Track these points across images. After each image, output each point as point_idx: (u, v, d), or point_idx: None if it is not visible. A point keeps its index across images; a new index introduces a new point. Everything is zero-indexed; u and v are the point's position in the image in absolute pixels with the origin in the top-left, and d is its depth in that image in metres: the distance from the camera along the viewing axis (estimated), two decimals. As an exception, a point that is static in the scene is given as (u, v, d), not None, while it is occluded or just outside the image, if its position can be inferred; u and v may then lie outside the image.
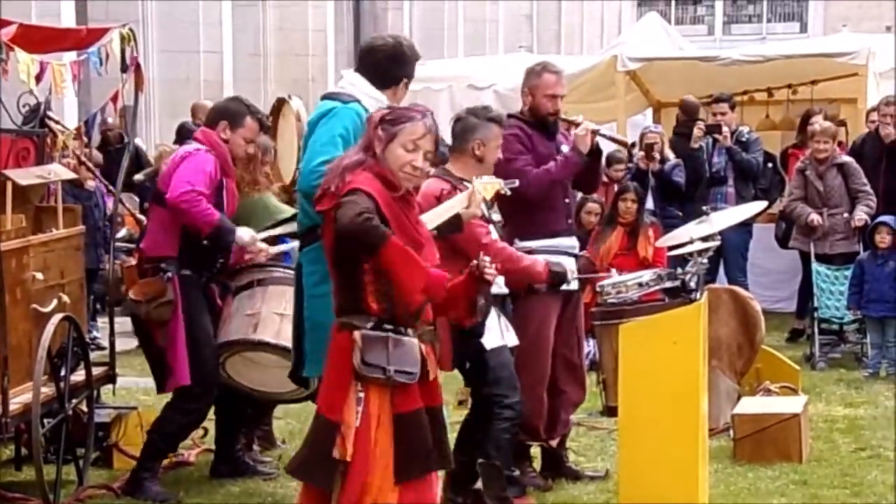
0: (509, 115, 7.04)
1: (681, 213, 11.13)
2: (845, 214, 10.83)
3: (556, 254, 6.73)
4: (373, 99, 5.67)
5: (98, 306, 11.56)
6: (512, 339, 6.44)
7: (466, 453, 6.36)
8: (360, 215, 4.45)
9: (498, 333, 6.28)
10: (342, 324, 4.62)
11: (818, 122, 11.35)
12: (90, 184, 10.13)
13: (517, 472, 6.61)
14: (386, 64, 5.83)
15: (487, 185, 5.69)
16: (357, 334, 4.55)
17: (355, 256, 4.55)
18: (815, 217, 10.79)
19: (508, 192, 5.81)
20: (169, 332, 6.61)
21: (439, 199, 6.02)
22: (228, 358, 6.80)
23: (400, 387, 4.58)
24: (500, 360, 6.29)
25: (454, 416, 6.44)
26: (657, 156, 11.53)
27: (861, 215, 10.70)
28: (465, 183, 6.10)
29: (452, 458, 4.95)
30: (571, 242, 6.99)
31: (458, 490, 6.32)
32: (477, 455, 6.25)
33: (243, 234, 6.69)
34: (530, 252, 6.64)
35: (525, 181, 6.66)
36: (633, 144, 8.25)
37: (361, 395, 4.53)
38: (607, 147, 8.53)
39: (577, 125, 6.91)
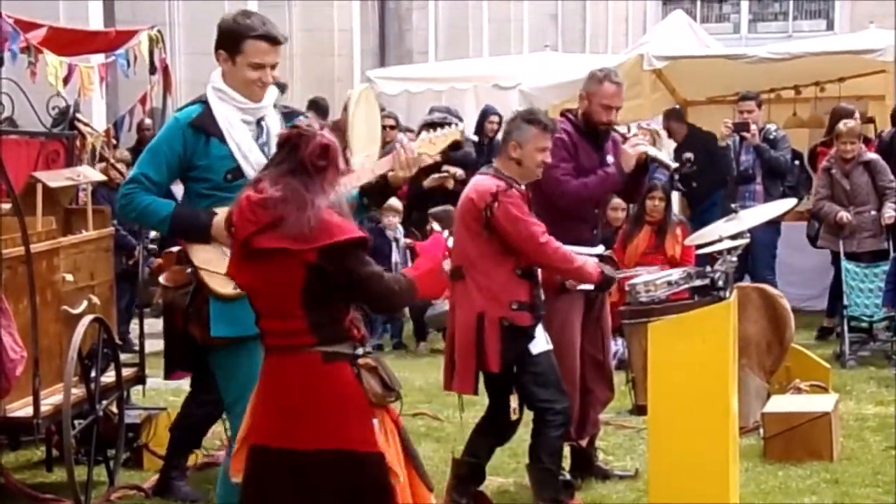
0: (563, 112, 6.97)
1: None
2: (873, 212, 10.81)
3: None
4: (212, 88, 5.17)
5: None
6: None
7: (474, 454, 6.35)
8: (391, 289, 4.37)
9: (543, 338, 6.26)
10: (328, 354, 4.32)
11: (845, 123, 11.29)
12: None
13: (569, 476, 6.59)
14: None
15: (435, 140, 5.12)
16: (368, 362, 4.35)
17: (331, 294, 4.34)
18: (843, 214, 10.76)
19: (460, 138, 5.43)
20: None
21: (495, 196, 6.01)
22: None
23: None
24: (548, 365, 6.26)
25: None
26: None
27: (890, 213, 10.68)
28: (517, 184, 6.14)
29: None
30: (594, 251, 6.87)
31: (462, 491, 6.31)
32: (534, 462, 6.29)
33: None
34: None
35: (560, 192, 6.61)
36: (678, 169, 8.18)
37: (376, 420, 4.37)
38: None
39: (626, 139, 6.84)
